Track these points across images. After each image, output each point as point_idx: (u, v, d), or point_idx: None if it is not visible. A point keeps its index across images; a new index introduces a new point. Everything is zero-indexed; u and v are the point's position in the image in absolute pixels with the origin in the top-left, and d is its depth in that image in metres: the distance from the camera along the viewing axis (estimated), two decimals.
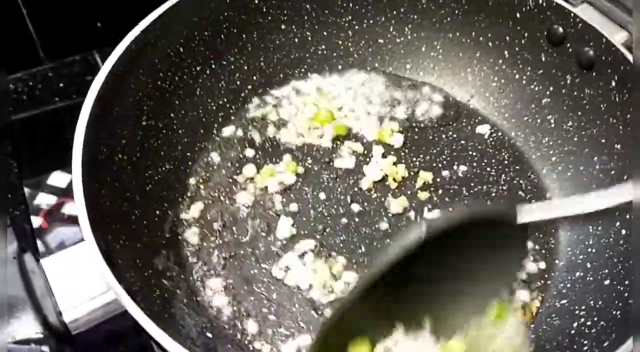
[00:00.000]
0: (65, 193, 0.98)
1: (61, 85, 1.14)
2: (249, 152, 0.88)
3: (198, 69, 0.87)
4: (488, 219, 0.57)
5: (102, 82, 0.70)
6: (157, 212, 0.78)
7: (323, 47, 0.96)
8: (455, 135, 0.91)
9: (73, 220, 0.94)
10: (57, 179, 1.00)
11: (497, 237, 0.57)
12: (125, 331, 0.70)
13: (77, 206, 0.59)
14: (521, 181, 0.86)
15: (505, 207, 0.59)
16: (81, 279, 0.61)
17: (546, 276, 0.78)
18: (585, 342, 0.65)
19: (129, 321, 0.57)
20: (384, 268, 0.55)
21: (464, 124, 0.92)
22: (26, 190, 0.97)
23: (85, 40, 1.15)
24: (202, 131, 0.87)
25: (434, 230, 0.54)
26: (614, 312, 0.66)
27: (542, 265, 0.79)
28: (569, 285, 0.76)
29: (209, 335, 0.70)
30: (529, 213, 0.57)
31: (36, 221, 0.93)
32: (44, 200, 0.97)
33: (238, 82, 0.92)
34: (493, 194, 0.85)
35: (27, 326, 0.54)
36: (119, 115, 0.74)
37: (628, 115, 0.77)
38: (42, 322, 0.55)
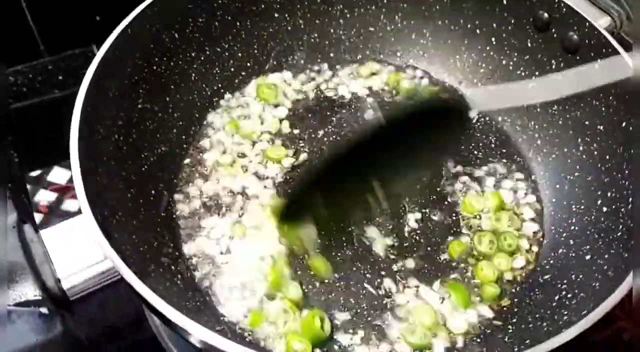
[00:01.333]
0: (65, 189, 1.00)
1: (60, 78, 1.16)
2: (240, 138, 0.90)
3: (193, 54, 0.89)
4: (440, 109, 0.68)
5: (98, 64, 0.73)
6: (153, 191, 0.80)
7: (315, 35, 0.98)
8: None
9: (73, 216, 0.96)
10: (57, 175, 1.02)
11: (442, 120, 0.69)
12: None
13: (74, 179, 0.62)
14: (508, 164, 0.89)
15: (458, 99, 0.70)
16: (78, 249, 0.63)
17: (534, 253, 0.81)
18: (565, 312, 0.67)
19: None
20: (350, 145, 0.66)
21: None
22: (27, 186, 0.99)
23: (85, 34, 1.17)
24: (196, 115, 0.90)
25: (390, 117, 0.65)
26: (594, 285, 0.68)
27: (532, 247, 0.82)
28: (552, 261, 0.78)
29: (202, 308, 0.72)
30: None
31: (36, 217, 0.95)
32: (44, 197, 0.99)
33: (232, 69, 0.94)
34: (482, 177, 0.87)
35: (26, 291, 0.56)
36: (115, 96, 0.76)
37: (610, 98, 0.79)
38: (41, 288, 0.57)
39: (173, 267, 0.74)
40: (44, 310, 0.55)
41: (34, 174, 1.03)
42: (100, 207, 0.65)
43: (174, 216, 0.81)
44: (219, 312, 0.73)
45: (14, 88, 1.13)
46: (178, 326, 0.57)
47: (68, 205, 0.99)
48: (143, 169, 0.80)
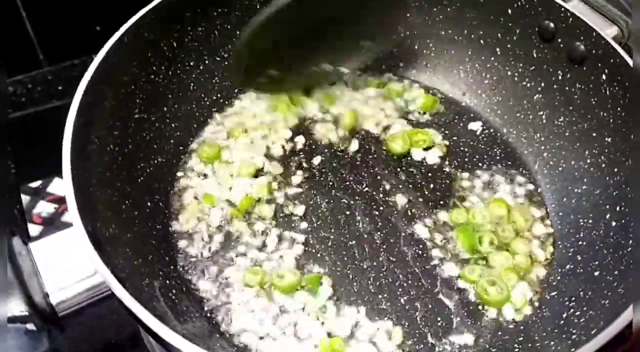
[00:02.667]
0: (65, 201, 0.99)
1: (60, 88, 1.15)
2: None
3: (192, 64, 0.88)
4: None
5: (94, 71, 0.71)
6: (149, 203, 0.78)
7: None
8: (447, 132, 0.91)
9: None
10: (57, 186, 1.01)
11: None
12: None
13: (65, 189, 0.60)
14: (513, 176, 0.87)
15: None
16: (68, 263, 0.61)
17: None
18: (574, 331, 0.65)
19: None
20: None
21: (456, 120, 0.93)
22: (26, 197, 0.97)
23: (85, 44, 1.15)
24: (194, 126, 0.88)
25: None
26: (603, 302, 0.66)
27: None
28: (559, 277, 0.76)
29: (198, 324, 0.70)
30: None
31: (35, 229, 0.93)
32: (43, 208, 0.98)
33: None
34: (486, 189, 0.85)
35: (13, 306, 0.54)
36: (111, 106, 0.75)
37: (618, 109, 0.77)
38: (28, 303, 0.55)
39: (168, 282, 0.72)
40: (30, 326, 0.53)
41: (34, 185, 1.02)
42: (93, 218, 0.63)
43: (170, 229, 0.79)
44: (217, 328, 0.71)
45: (13, 98, 1.13)
46: (173, 346, 0.55)
47: (67, 217, 0.98)
48: (139, 180, 0.78)
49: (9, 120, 1.07)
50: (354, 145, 0.89)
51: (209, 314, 0.72)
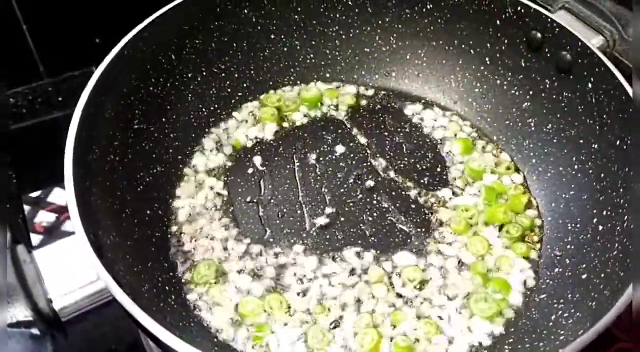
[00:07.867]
0: (65, 210, 1.00)
1: (60, 99, 1.17)
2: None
3: (190, 76, 0.90)
4: None
5: (95, 84, 0.73)
6: (148, 212, 0.80)
7: (311, 56, 0.99)
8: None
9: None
10: (57, 196, 1.02)
11: None
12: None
13: (67, 198, 0.62)
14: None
15: None
16: (71, 269, 0.63)
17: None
18: (562, 332, 0.67)
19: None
20: None
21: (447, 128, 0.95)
22: (27, 208, 0.99)
23: (84, 56, 1.18)
24: (193, 136, 0.90)
25: None
26: (590, 304, 0.68)
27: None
28: (549, 281, 0.78)
29: (196, 330, 0.72)
30: None
31: (36, 239, 0.95)
32: (44, 218, 0.99)
33: (229, 90, 0.95)
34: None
35: (18, 312, 0.56)
36: (111, 117, 0.77)
37: (604, 116, 0.79)
38: (32, 309, 0.57)
39: (167, 288, 0.74)
40: (35, 331, 0.55)
41: (34, 195, 1.03)
42: (94, 227, 0.65)
43: (169, 237, 0.81)
44: (213, 334, 0.73)
45: (14, 110, 1.14)
46: (172, 348, 0.57)
47: (68, 226, 0.99)
48: (138, 189, 0.80)
49: (10, 132, 1.09)
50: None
51: (208, 322, 0.74)
